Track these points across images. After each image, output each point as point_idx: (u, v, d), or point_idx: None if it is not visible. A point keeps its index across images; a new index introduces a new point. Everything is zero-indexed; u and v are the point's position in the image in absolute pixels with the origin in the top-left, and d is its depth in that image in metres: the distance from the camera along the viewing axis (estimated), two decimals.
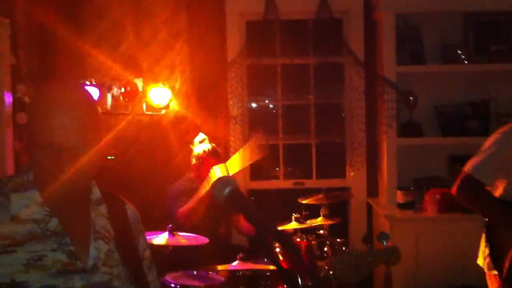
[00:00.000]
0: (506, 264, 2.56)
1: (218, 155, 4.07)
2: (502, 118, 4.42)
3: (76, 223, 1.43)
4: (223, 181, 1.28)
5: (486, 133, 4.32)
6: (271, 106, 4.93)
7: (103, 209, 1.50)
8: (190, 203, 3.79)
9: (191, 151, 4.16)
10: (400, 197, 4.22)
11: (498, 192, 2.72)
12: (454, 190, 2.73)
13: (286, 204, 4.55)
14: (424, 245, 3.92)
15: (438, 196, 4.09)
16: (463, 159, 4.45)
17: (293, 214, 3.71)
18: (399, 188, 4.28)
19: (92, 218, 1.46)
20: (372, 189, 4.71)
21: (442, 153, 4.54)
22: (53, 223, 1.35)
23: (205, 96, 4.68)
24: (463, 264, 3.84)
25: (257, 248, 3.89)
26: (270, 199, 4.90)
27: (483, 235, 2.80)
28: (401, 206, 4.21)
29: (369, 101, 4.58)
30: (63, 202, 1.39)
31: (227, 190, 1.27)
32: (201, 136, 4.17)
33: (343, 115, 4.73)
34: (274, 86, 4.78)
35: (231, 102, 4.66)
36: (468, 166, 2.71)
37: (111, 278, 1.41)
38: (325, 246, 3.68)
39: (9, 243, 1.29)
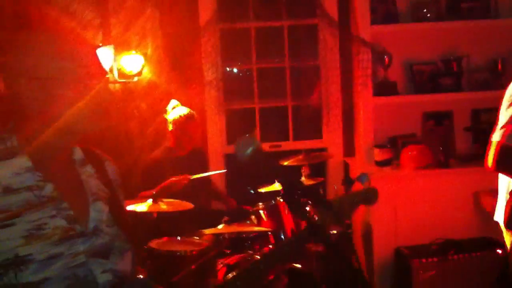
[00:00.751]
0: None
1: (195, 119, 4.03)
2: (473, 74, 4.51)
3: (69, 187, 1.37)
4: (246, 140, 1.27)
5: (458, 89, 4.43)
6: (246, 70, 4.89)
7: (90, 169, 1.45)
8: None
9: (165, 120, 4.11)
10: (377, 155, 4.29)
11: None
12: (492, 164, 2.58)
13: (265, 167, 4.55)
14: (402, 201, 4.00)
15: (414, 153, 4.17)
16: (437, 116, 4.62)
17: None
18: (376, 146, 4.35)
19: (84, 180, 1.42)
20: (349, 149, 4.77)
21: (416, 110, 4.60)
22: (48, 188, 1.29)
23: (179, 62, 4.60)
24: (441, 219, 3.95)
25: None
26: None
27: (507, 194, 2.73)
28: (379, 164, 4.28)
29: (344, 61, 4.60)
30: (52, 166, 1.33)
31: (250, 149, 1.26)
32: (173, 102, 4.11)
33: (319, 76, 4.73)
34: (249, 50, 4.74)
35: (205, 68, 4.61)
36: (499, 136, 2.55)
37: (111, 238, 1.39)
38: (306, 206, 3.72)
39: (6, 216, 1.21)
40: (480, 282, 3.69)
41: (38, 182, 1.28)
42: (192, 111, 4.06)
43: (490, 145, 2.58)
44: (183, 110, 4.02)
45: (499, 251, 3.70)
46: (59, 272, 1.23)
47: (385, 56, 4.41)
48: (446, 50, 4.52)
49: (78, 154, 1.45)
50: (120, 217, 1.45)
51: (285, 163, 3.91)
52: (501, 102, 2.63)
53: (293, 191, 1.22)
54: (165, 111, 4.10)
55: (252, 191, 4.24)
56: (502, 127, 2.55)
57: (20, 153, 1.28)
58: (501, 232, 2.85)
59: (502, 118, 2.58)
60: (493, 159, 2.55)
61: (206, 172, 4.13)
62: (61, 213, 1.29)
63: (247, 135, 1.31)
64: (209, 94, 4.66)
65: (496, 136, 2.55)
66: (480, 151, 4.48)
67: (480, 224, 3.97)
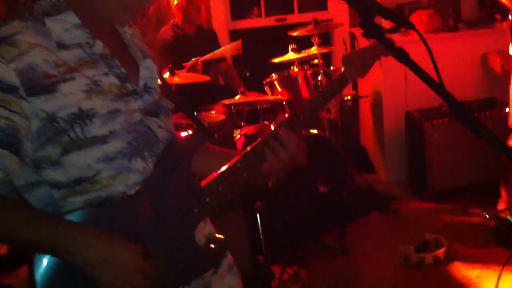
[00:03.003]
0: None
1: None
2: None
3: (116, 45, 1.34)
4: None
5: None
6: None
7: (128, 29, 1.40)
8: None
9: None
10: (385, 22, 4.24)
11: None
12: None
13: (273, 41, 4.54)
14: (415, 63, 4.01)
15: (423, 17, 4.14)
16: None
17: (290, 45, 3.72)
18: None
19: (127, 40, 1.38)
20: (355, 19, 4.71)
21: None
22: (99, 45, 1.26)
23: None
24: (450, 82, 3.98)
25: None
26: (255, 38, 4.87)
27: None
28: (387, 31, 4.24)
29: None
30: (98, 23, 1.29)
31: None
32: None
33: None
34: None
35: None
36: None
37: (159, 95, 1.39)
38: (319, 75, 3.76)
39: (66, 69, 1.19)
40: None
41: (88, 39, 1.25)
42: None
43: None
44: None
45: (508, 109, 3.80)
46: (123, 126, 1.24)
47: None
48: None
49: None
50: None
51: (295, 34, 3.89)
52: None
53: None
54: None
55: (247, 74, 4.24)
56: None
57: (66, 9, 1.24)
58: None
59: None
60: None
61: (216, 48, 4.12)
62: (113, 71, 1.27)
63: None
64: None
65: None
66: (486, 14, 4.50)
67: (488, 85, 4.05)
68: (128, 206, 1.25)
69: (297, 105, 3.67)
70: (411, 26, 1.15)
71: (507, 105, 3.70)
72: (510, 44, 3.29)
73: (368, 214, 3.86)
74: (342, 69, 1.55)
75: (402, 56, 1.14)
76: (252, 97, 3.59)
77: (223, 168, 1.36)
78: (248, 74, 4.56)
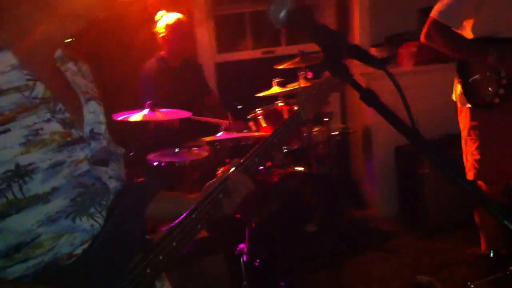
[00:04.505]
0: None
1: (186, 22, 3.89)
2: None
3: (59, 87, 1.20)
4: (276, 4, 1.13)
5: None
6: None
7: (72, 66, 1.27)
8: None
9: (151, 32, 3.94)
10: (374, 53, 4.16)
11: (466, 32, 2.79)
12: (422, 37, 2.83)
13: (259, 74, 4.44)
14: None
15: (414, 49, 4.05)
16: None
17: (273, 79, 3.62)
18: (372, 45, 4.21)
19: (70, 78, 1.24)
20: None
21: (412, 7, 4.43)
22: (39, 88, 1.11)
23: None
24: (442, 114, 3.89)
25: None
26: (242, 70, 4.77)
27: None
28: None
29: None
30: (39, 64, 1.15)
31: (283, 13, 1.13)
32: (161, 12, 3.94)
33: None
34: None
35: None
36: (434, 12, 2.75)
37: (107, 141, 1.26)
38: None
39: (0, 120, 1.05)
40: None
41: (28, 81, 1.10)
42: (181, 15, 3.91)
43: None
44: (173, 15, 3.87)
45: None
46: (66, 181, 1.10)
47: None
48: None
49: (58, 51, 1.26)
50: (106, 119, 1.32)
51: (281, 67, 3.78)
52: None
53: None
54: (153, 22, 3.92)
55: (239, 107, 4.13)
56: (439, 1, 2.73)
57: (4, 49, 1.09)
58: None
59: None
60: (424, 32, 2.81)
61: (202, 81, 4.03)
62: (56, 116, 1.13)
63: None
64: (196, 0, 4.43)
65: (433, 10, 2.76)
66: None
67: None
68: (75, 268, 1.12)
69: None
70: (381, 67, 1.05)
71: None
72: None
73: (363, 253, 3.71)
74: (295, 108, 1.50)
75: (370, 98, 1.04)
76: (235, 134, 3.46)
77: (177, 221, 1.25)
78: (239, 107, 4.44)
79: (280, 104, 3.56)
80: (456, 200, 3.70)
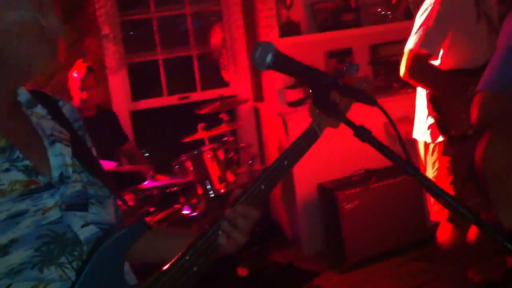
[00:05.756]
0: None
1: (95, 71, 3.87)
2: (370, 8, 4.63)
3: (19, 133, 1.16)
4: (261, 49, 1.16)
5: (358, 24, 4.52)
6: (145, 19, 4.64)
7: (40, 109, 1.23)
8: None
9: (63, 79, 3.85)
10: (290, 96, 4.30)
11: (437, 62, 2.77)
12: (404, 72, 2.68)
13: (178, 119, 4.44)
14: (321, 137, 4.05)
15: None
16: (338, 54, 4.69)
17: (198, 124, 3.63)
18: (287, 88, 4.35)
19: (35, 122, 1.20)
20: (257, 94, 4.74)
21: (319, 49, 4.64)
22: None
23: (73, 16, 4.25)
24: (358, 151, 4.05)
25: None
26: (160, 117, 4.74)
27: (424, 108, 2.82)
28: (292, 105, 4.30)
29: (247, 5, 4.50)
30: None
31: (269, 57, 1.16)
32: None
33: (222, 22, 4.61)
34: None
35: (101, 20, 4.30)
36: (412, 45, 2.67)
37: (83, 185, 1.19)
38: (230, 152, 3.68)
39: None
40: (402, 206, 3.88)
41: None
42: (90, 65, 3.86)
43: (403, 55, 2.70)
44: (84, 64, 3.81)
45: None
46: (29, 231, 1.05)
47: None
48: None
49: (24, 95, 1.23)
50: (91, 162, 1.26)
51: (202, 112, 3.80)
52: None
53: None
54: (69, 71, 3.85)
55: (146, 154, 4.09)
56: (414, 34, 2.67)
57: None
58: (417, 152, 2.93)
59: (415, 26, 2.71)
60: (406, 66, 2.65)
61: (119, 129, 3.95)
62: (15, 165, 1.09)
63: (260, 43, 1.19)
64: (107, 48, 4.37)
65: (409, 45, 2.66)
66: (383, 83, 4.69)
67: (397, 151, 4.14)
68: None
69: (210, 185, 3.55)
70: (373, 103, 1.09)
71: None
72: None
73: None
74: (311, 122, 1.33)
75: (363, 134, 1.09)
76: (161, 181, 3.41)
77: (167, 266, 1.17)
78: (147, 154, 4.36)
79: (206, 149, 3.57)
80: (379, 233, 3.87)
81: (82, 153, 1.26)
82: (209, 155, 3.53)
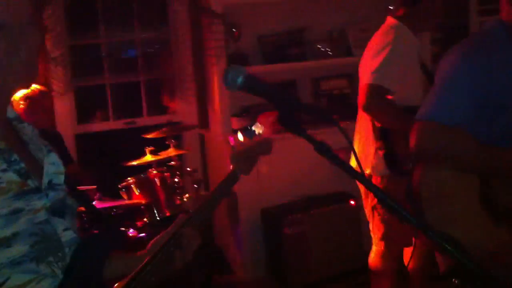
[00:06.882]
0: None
1: (49, 94, 3.85)
2: (314, 44, 4.85)
3: (14, 140, 1.28)
4: (233, 71, 1.26)
5: (303, 58, 4.74)
6: (94, 44, 4.68)
7: (27, 125, 1.37)
8: None
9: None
10: (235, 123, 4.42)
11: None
12: (365, 104, 2.76)
13: (124, 144, 4.46)
14: (264, 165, 4.19)
15: (270, 119, 4.37)
16: (282, 85, 4.88)
17: (145, 148, 3.67)
18: (233, 116, 4.48)
19: (27, 135, 1.33)
20: (202, 121, 4.84)
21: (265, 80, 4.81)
22: None
23: None
24: (301, 178, 4.22)
25: None
26: (107, 141, 4.74)
27: (370, 141, 2.92)
28: (237, 132, 4.41)
29: (195, 33, 4.63)
30: None
31: (240, 79, 1.26)
32: None
33: (170, 49, 4.71)
34: (97, 23, 4.54)
35: (49, 43, 4.32)
36: (367, 79, 2.78)
37: (64, 194, 1.32)
38: (176, 177, 3.74)
39: None
40: (343, 231, 4.04)
41: None
42: (40, 86, 3.87)
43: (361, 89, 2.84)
44: (32, 86, 3.77)
45: (352, 202, 4.09)
46: (26, 227, 1.16)
47: (233, 29, 4.54)
48: (292, 22, 4.78)
49: (11, 112, 1.35)
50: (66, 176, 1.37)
51: (150, 136, 3.85)
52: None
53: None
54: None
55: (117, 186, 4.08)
56: (374, 71, 2.79)
57: None
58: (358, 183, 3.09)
59: (369, 66, 2.85)
60: (366, 99, 2.76)
61: (64, 151, 3.93)
62: (13, 166, 1.18)
63: (232, 66, 1.30)
64: (55, 71, 4.37)
65: (369, 80, 2.78)
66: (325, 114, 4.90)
67: (337, 180, 4.31)
68: None
69: (156, 208, 3.58)
70: (334, 122, 1.22)
71: (353, 197, 4.00)
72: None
73: None
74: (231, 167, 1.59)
75: (323, 150, 1.21)
76: (108, 203, 3.43)
77: (131, 276, 1.27)
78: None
79: (153, 172, 3.61)
80: (321, 259, 4.00)
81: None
82: (156, 179, 3.58)
